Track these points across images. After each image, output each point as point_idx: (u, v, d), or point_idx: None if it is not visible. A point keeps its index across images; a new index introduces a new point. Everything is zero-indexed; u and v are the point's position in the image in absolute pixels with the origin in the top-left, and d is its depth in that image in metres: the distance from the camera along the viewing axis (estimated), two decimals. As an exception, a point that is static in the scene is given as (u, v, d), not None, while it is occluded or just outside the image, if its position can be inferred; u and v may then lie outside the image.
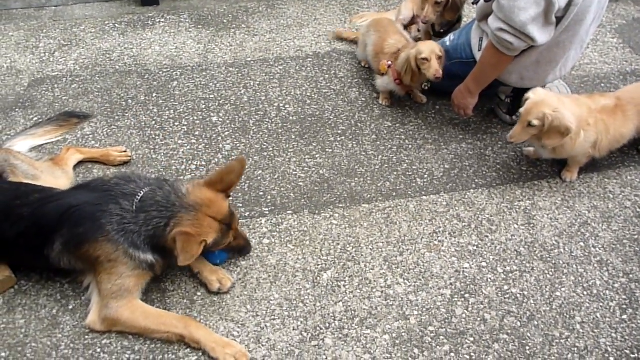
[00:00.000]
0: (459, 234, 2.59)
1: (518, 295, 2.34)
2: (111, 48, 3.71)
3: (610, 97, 2.76)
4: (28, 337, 2.21)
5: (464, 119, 3.18)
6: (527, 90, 2.95)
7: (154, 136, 3.06)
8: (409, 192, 2.77)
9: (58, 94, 3.33)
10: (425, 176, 2.86)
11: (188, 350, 2.15)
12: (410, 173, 2.87)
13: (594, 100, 2.72)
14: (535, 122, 2.54)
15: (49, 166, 2.66)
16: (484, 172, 2.89)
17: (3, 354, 2.15)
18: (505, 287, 2.37)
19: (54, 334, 2.22)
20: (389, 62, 3.12)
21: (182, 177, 2.81)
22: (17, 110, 3.22)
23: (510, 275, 2.42)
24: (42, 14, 4.04)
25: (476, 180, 2.85)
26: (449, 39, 3.12)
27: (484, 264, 2.47)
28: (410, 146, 3.01)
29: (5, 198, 2.22)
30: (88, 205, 2.12)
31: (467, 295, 2.34)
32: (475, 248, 2.53)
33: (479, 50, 2.88)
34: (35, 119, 3.15)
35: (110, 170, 2.86)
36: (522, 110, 2.60)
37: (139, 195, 2.13)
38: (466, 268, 2.45)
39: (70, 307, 2.30)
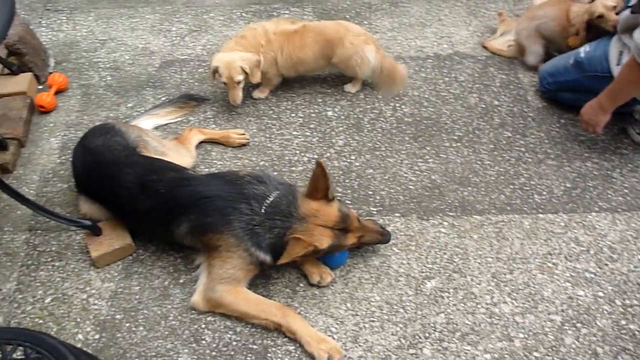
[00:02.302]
0: (576, 258, 2.44)
1: (636, 332, 2.17)
2: (237, 36, 3.83)
3: (297, 24, 3.14)
4: (141, 304, 2.34)
5: (592, 136, 2.98)
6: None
7: (270, 125, 3.13)
8: (525, 208, 2.65)
9: (185, 77, 3.49)
10: (544, 193, 2.71)
11: (286, 339, 2.19)
12: (527, 188, 2.74)
13: (278, 24, 3.14)
14: (240, 77, 2.98)
15: (174, 144, 2.81)
16: (609, 196, 2.70)
17: (118, 316, 2.31)
18: (623, 322, 2.21)
19: (164, 304, 2.34)
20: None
21: (293, 168, 2.86)
22: (147, 88, 3.41)
23: (630, 309, 2.25)
24: (177, -1, 4.25)
25: (599, 203, 2.67)
26: (583, 50, 2.93)
27: (600, 293, 2.31)
28: (530, 159, 2.87)
29: (142, 171, 2.38)
30: (220, 200, 2.22)
31: (578, 325, 2.21)
32: (592, 275, 2.37)
33: (618, 65, 2.69)
34: (163, 98, 3.32)
35: (227, 152, 2.97)
36: (222, 79, 3.00)
37: (268, 199, 2.21)
38: (580, 296, 2.31)
39: (181, 280, 2.42)
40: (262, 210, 2.19)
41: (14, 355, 1.47)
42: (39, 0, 4.17)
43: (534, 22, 3.29)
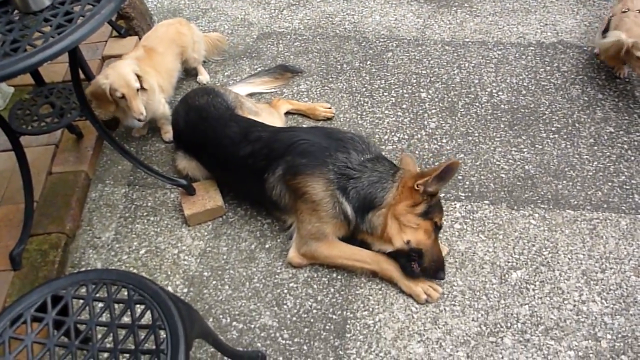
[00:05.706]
0: (676, 264, 2.32)
1: None
2: (334, 12, 3.85)
3: (138, 48, 3.06)
4: (228, 264, 2.44)
5: (703, 139, 2.80)
6: None
7: (362, 102, 3.13)
8: (623, 207, 2.53)
9: (281, 49, 3.54)
10: (645, 194, 2.58)
11: (365, 312, 2.22)
12: (627, 187, 2.61)
13: (128, 60, 2.82)
14: (138, 85, 2.66)
15: (266, 107, 2.94)
16: None
17: (206, 273, 2.41)
18: None
19: (250, 267, 2.42)
20: None
21: (383, 147, 2.86)
22: (244, 59, 3.50)
23: None
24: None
25: None
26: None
27: (700, 303, 2.19)
28: (632, 158, 2.72)
29: (247, 124, 2.52)
30: (318, 146, 2.32)
31: (673, 333, 2.10)
32: (693, 284, 2.25)
33: None
34: (259, 69, 3.39)
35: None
36: (119, 92, 2.61)
37: (369, 155, 2.32)
38: (677, 304, 2.19)
39: (267, 245, 2.49)
40: (362, 159, 2.29)
41: (118, 296, 1.57)
42: (147, -32, 4.35)
43: None
